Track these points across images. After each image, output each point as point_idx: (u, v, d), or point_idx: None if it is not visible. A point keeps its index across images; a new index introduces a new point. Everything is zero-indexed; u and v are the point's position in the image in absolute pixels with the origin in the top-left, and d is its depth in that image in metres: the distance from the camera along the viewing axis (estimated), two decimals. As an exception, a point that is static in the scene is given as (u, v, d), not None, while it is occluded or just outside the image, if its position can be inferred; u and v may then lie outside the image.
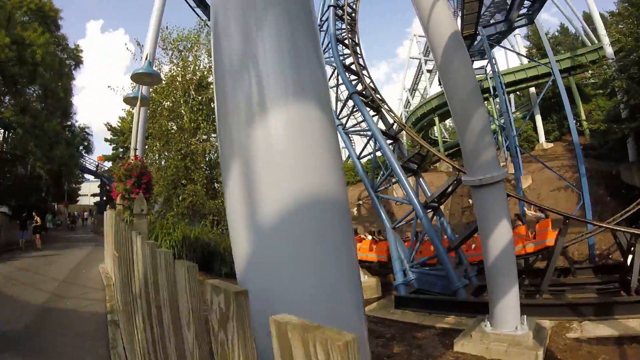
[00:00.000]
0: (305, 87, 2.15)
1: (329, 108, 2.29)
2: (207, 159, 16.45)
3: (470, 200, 25.69)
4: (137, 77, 9.34)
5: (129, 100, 10.55)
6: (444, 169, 32.10)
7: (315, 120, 2.13)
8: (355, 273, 2.25)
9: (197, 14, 33.74)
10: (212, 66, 2.39)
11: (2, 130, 26.59)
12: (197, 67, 17.32)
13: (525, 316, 7.83)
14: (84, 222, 43.76)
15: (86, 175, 45.71)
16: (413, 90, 55.96)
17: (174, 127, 16.78)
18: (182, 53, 17.49)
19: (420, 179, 15.62)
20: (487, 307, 8.22)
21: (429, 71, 49.11)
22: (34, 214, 19.20)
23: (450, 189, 13.61)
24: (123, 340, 5.22)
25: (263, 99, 2.06)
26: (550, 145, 30.93)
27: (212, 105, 17.26)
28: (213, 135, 17.02)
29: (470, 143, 7.44)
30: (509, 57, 40.32)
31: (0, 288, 10.11)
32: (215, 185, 16.20)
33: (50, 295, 9.11)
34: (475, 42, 20.89)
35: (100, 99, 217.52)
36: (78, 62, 30.42)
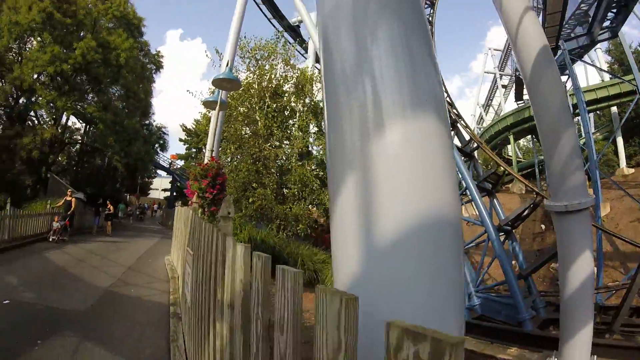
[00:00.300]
0: (423, 96, 2.05)
1: (446, 119, 2.17)
2: (278, 164, 16.69)
3: (543, 226, 24.25)
4: (218, 82, 9.56)
5: (208, 104, 10.84)
6: (516, 190, 30.63)
7: (434, 133, 2.02)
8: (462, 294, 2.13)
9: (272, 25, 34.84)
10: (322, 73, 2.32)
11: (85, 124, 28.76)
12: (273, 76, 17.66)
13: (595, 356, 7.22)
14: (153, 214, 45.93)
15: (159, 171, 47.91)
16: (487, 106, 54.14)
17: (248, 132, 17.15)
18: (259, 62, 17.87)
19: (495, 199, 14.93)
20: (554, 342, 7.70)
21: (504, 86, 47.26)
22: (107, 202, 20.27)
23: (526, 213, 12.89)
24: (185, 336, 5.22)
25: (379, 109, 1.98)
26: (632, 170, 28.57)
27: (286, 113, 17.58)
28: (285, 142, 17.28)
29: (557, 165, 6.94)
30: (589, 73, 37.99)
31: (69, 268, 10.54)
32: (284, 191, 16.37)
33: (116, 281, 9.41)
34: (555, 57, 19.82)
35: (176, 102, 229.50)
36: (158, 66, 32.07)
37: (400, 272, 1.85)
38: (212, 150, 11.11)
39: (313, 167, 16.87)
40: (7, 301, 6.81)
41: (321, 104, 18.30)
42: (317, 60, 30.42)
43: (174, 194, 49.95)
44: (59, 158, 27.66)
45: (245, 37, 17.90)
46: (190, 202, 9.20)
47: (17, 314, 6.29)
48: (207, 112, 18.77)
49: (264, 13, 33.51)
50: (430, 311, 1.86)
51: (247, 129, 17.35)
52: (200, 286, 3.79)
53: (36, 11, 20.96)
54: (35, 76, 21.55)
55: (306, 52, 31.61)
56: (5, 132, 21.41)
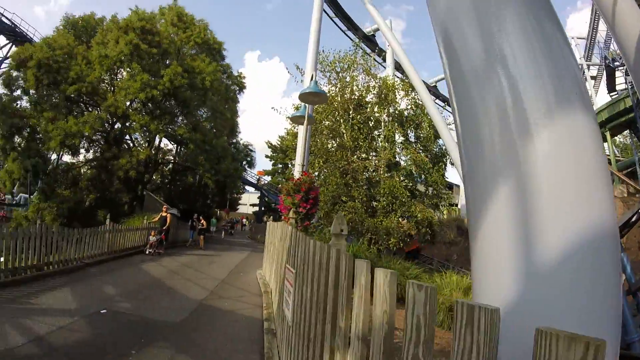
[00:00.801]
0: (567, 88, 1.80)
1: (593, 113, 1.89)
2: (366, 176, 16.39)
3: (653, 234, 21.49)
4: (304, 97, 9.51)
5: (296, 119, 10.82)
6: (617, 194, 27.54)
7: (585, 130, 1.78)
8: (619, 308, 1.92)
9: (348, 36, 35.01)
10: (448, 76, 2.16)
11: (176, 145, 30.52)
12: (355, 87, 17.48)
13: None
14: (242, 228, 47.64)
15: (247, 187, 49.61)
16: (576, 101, 49.91)
17: (334, 145, 17.07)
18: (340, 74, 17.79)
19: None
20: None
21: (592, 78, 42.98)
22: (200, 217, 21.11)
23: (634, 219, 11.37)
24: (282, 356, 5.04)
25: (521, 108, 1.76)
26: None
27: (370, 124, 17.30)
28: (372, 153, 17.04)
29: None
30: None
31: (164, 280, 10.85)
32: (374, 203, 16.00)
33: (209, 294, 9.51)
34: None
35: (260, 119, 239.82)
36: (241, 87, 33.14)
37: (558, 284, 1.71)
38: (302, 165, 11.02)
39: (402, 179, 16.36)
40: (104, 310, 7.04)
41: (405, 112, 17.80)
42: (397, 68, 29.98)
43: (262, 208, 51.75)
44: (154, 177, 29.41)
45: (323, 51, 17.92)
46: (283, 217, 9.14)
47: (114, 323, 6.47)
48: (292, 128, 18.98)
49: (338, 26, 33.85)
50: (587, 322, 1.72)
51: (333, 142, 17.26)
52: (307, 307, 3.59)
53: (123, 44, 22.84)
54: (128, 103, 23.23)
55: (384, 60, 31.24)
56: (104, 155, 23.10)
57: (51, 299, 7.70)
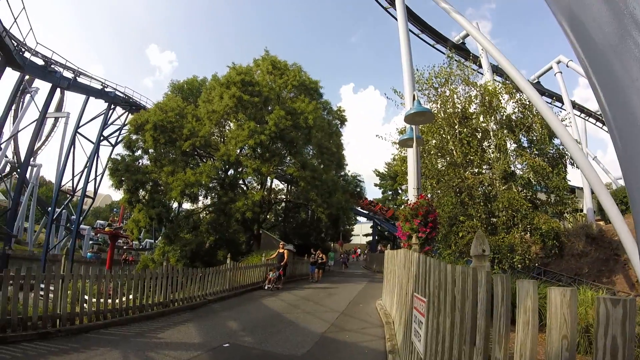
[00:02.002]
0: None
1: None
2: (481, 191, 15.33)
3: None
4: (410, 118, 9.18)
5: (404, 143, 10.49)
6: None
7: None
8: None
9: (437, 49, 34.20)
10: (581, 54, 1.86)
11: (286, 184, 31.62)
12: (457, 100, 16.73)
13: None
14: (357, 259, 47.57)
15: (359, 217, 49.68)
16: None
17: (444, 164, 16.38)
18: (438, 89, 17.20)
19: None
20: None
21: None
22: (319, 251, 21.30)
23: None
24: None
25: None
26: None
27: (478, 136, 16.36)
28: (484, 166, 16.14)
29: None
30: None
31: (285, 314, 10.90)
32: (493, 219, 14.85)
33: (330, 326, 9.35)
34: None
35: (365, 149, 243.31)
36: (342, 120, 33.66)
37: None
38: (416, 188, 10.57)
39: (520, 189, 15.26)
40: (227, 344, 7.16)
41: (513, 116, 16.55)
42: (496, 71, 28.29)
43: (375, 237, 51.44)
44: (268, 216, 30.66)
45: (417, 69, 17.54)
46: (403, 244, 8.79)
47: (237, 357, 6.54)
48: (399, 152, 18.62)
49: (426, 42, 33.31)
50: None
51: (443, 160, 16.59)
52: (445, 338, 3.30)
53: (227, 98, 24.66)
54: (239, 150, 24.54)
55: (480, 67, 29.74)
56: (221, 200, 24.30)
57: (176, 334, 8.08)
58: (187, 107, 27.83)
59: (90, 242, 61.22)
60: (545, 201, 16.12)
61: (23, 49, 27.37)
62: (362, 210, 48.80)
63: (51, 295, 7.86)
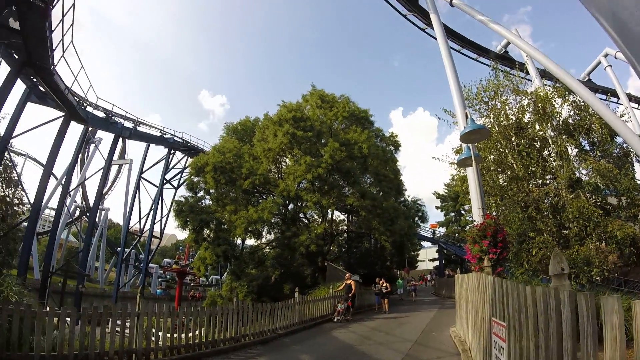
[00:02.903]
0: None
1: None
2: (547, 203, 14.57)
3: None
4: (465, 138, 9.06)
5: (462, 162, 10.34)
6: None
7: None
8: None
9: (481, 62, 33.62)
10: (624, 49, 1.91)
11: (347, 215, 31.62)
12: (509, 111, 16.27)
13: None
14: (425, 285, 46.20)
15: (423, 242, 48.78)
16: None
17: (506, 179, 15.83)
18: (489, 103, 16.81)
19: None
20: None
21: None
22: (382, 280, 20.87)
23: None
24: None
25: None
26: None
27: (536, 145, 15.73)
28: (548, 177, 15.52)
29: None
30: None
31: (357, 346, 10.82)
32: (564, 232, 14.01)
33: (405, 357, 9.17)
34: None
35: (422, 172, 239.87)
36: (396, 146, 33.49)
37: None
38: (481, 209, 10.29)
39: (588, 196, 14.49)
40: None
41: (570, 120, 15.83)
42: (544, 75, 27.24)
43: (442, 262, 49.99)
44: (331, 248, 30.56)
45: (464, 85, 17.23)
46: (473, 267, 8.55)
47: None
48: (458, 172, 18.22)
49: (468, 56, 33.17)
50: None
51: (504, 175, 16.01)
52: None
53: (281, 135, 25.34)
54: (297, 185, 24.88)
55: (527, 73, 28.77)
56: (284, 234, 24.75)
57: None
58: (243, 147, 28.77)
59: (159, 279, 64.05)
60: (616, 205, 15.16)
61: (85, 104, 29.39)
62: (425, 235, 47.87)
63: (126, 332, 8.31)
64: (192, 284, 58.71)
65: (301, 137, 25.08)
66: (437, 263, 53.36)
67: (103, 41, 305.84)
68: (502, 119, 16.25)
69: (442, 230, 54.22)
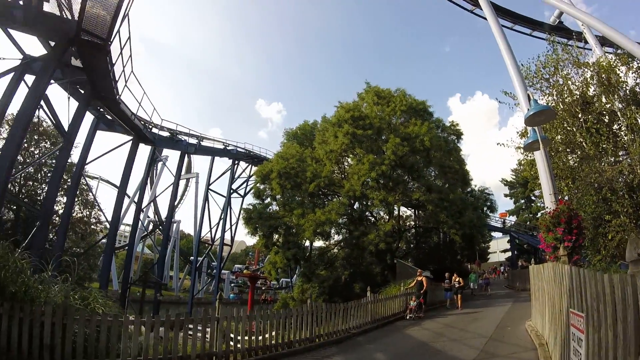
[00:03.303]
0: None
1: None
2: (622, 182, 13.47)
3: None
4: (530, 120, 8.73)
5: (529, 147, 9.97)
6: None
7: None
8: None
9: (536, 37, 31.92)
10: None
11: (413, 210, 31.19)
12: (572, 86, 15.32)
13: None
14: (498, 277, 44.61)
15: (493, 233, 47.20)
16: None
17: (575, 160, 14.97)
18: (550, 80, 15.96)
19: None
20: None
21: None
22: (454, 275, 20.33)
23: None
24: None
25: None
26: None
27: (605, 119, 14.84)
28: (621, 153, 14.55)
29: None
30: None
31: (431, 343, 10.82)
32: (640, 211, 12.95)
33: (480, 352, 9.06)
34: None
35: (486, 159, 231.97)
36: (458, 135, 32.51)
37: None
38: (552, 194, 9.84)
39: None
40: None
41: (638, 88, 14.62)
42: (604, 43, 25.32)
43: (514, 252, 47.99)
44: (399, 244, 30.22)
45: (522, 64, 16.45)
46: (548, 256, 8.20)
47: None
48: (525, 156, 17.44)
49: (522, 32, 32.22)
50: None
51: (573, 156, 15.11)
52: (607, 353, 3.19)
53: (341, 136, 25.55)
54: (361, 184, 24.75)
55: (586, 42, 26.79)
56: (352, 234, 24.92)
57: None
58: (305, 151, 29.35)
59: (232, 284, 66.55)
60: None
61: (151, 126, 30.86)
62: (495, 225, 46.20)
63: (206, 336, 8.78)
64: (263, 288, 60.28)
65: (361, 135, 25.16)
66: (509, 254, 51.52)
67: (160, 65, 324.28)
68: (565, 95, 15.40)
69: (513, 219, 52.24)
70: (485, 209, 32.80)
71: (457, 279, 19.73)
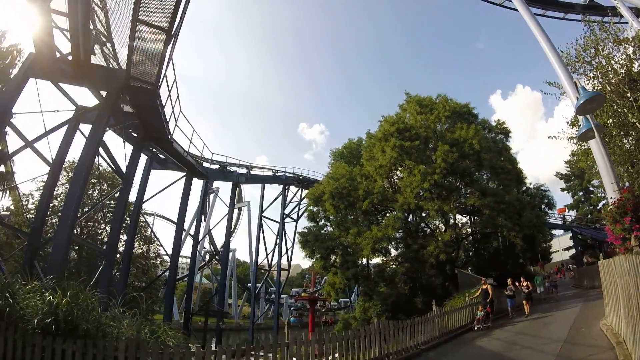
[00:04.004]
0: None
1: None
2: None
3: None
4: (581, 109, 8.54)
5: (584, 137, 9.72)
6: None
7: None
8: None
9: (571, 20, 30.50)
10: None
11: (469, 216, 30.75)
12: (616, 65, 14.72)
13: None
14: (563, 277, 42.37)
15: (553, 231, 45.76)
16: None
17: (631, 142, 14.24)
18: (592, 62, 15.60)
19: None
20: None
21: None
22: (523, 279, 19.57)
23: None
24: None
25: None
26: None
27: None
28: None
29: None
30: None
31: (504, 353, 10.66)
32: None
33: (556, 358, 8.96)
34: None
35: (537, 154, 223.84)
36: (506, 133, 31.96)
37: None
38: (614, 183, 9.43)
39: None
40: None
41: None
42: (639, 14, 23.88)
43: (578, 249, 45.63)
44: (458, 253, 29.41)
45: (562, 51, 15.94)
46: (619, 249, 7.81)
47: None
48: (579, 146, 16.80)
49: (553, 17, 31.12)
50: None
51: (628, 139, 14.50)
52: None
53: (389, 150, 25.84)
54: (415, 196, 24.64)
55: (622, 16, 25.38)
56: (411, 247, 24.48)
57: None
58: (354, 170, 29.69)
59: (291, 308, 66.99)
60: None
61: (202, 161, 31.87)
62: (555, 223, 44.25)
63: None
64: (323, 310, 60.22)
65: (409, 147, 25.21)
66: (572, 251, 48.91)
67: (207, 101, 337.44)
68: (610, 75, 14.90)
69: (572, 213, 49.63)
70: (543, 206, 31.77)
71: (524, 284, 18.80)
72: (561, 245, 55.75)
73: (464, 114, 29.23)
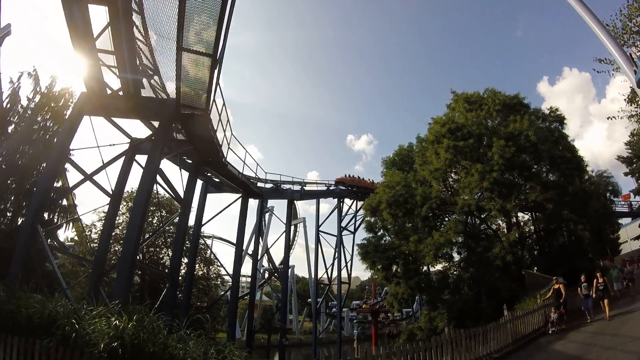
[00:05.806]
0: None
1: None
2: None
3: None
4: None
5: None
6: None
7: None
8: None
9: None
10: None
11: (530, 213, 29.79)
12: None
13: None
14: (636, 270, 39.60)
15: (620, 220, 43.43)
16: None
17: None
18: (641, 27, 14.71)
19: None
20: None
21: None
22: (599, 274, 17.12)
23: None
24: None
25: None
26: None
27: None
28: None
29: None
30: None
31: (583, 355, 10.28)
32: None
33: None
34: None
35: (594, 138, 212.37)
36: (561, 120, 30.46)
37: None
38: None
39: None
40: None
41: None
42: None
43: (651, 236, 42.84)
44: (523, 253, 28.18)
45: (607, 24, 14.92)
46: None
47: None
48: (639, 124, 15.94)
49: None
50: None
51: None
52: None
53: (443, 152, 25.30)
54: (474, 197, 24.17)
55: None
56: (474, 250, 23.66)
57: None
58: (408, 176, 29.25)
59: (354, 321, 66.54)
60: None
61: (256, 181, 32.47)
62: (622, 210, 41.69)
63: None
64: (385, 322, 59.44)
65: (463, 147, 24.59)
66: (645, 240, 45.57)
67: (254, 125, 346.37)
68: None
69: (639, 199, 46.39)
70: (607, 194, 29.96)
71: (601, 281, 16.17)
72: (629, 235, 52.16)
73: (514, 106, 28.30)
